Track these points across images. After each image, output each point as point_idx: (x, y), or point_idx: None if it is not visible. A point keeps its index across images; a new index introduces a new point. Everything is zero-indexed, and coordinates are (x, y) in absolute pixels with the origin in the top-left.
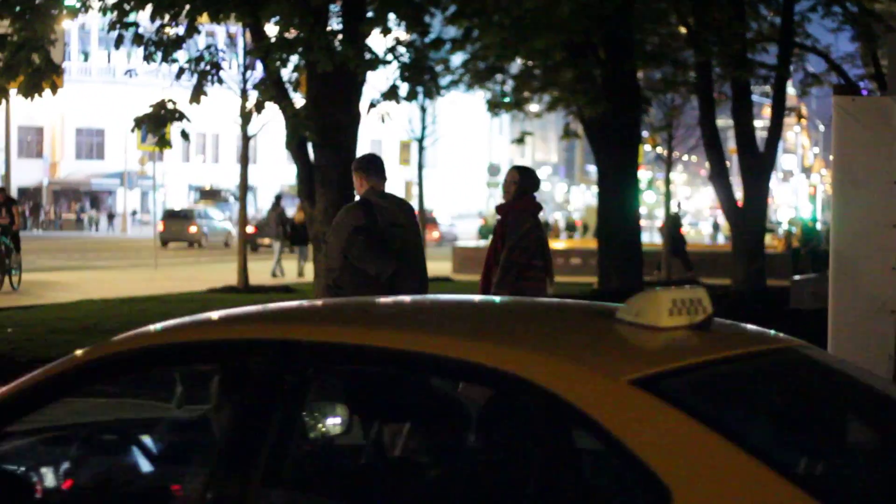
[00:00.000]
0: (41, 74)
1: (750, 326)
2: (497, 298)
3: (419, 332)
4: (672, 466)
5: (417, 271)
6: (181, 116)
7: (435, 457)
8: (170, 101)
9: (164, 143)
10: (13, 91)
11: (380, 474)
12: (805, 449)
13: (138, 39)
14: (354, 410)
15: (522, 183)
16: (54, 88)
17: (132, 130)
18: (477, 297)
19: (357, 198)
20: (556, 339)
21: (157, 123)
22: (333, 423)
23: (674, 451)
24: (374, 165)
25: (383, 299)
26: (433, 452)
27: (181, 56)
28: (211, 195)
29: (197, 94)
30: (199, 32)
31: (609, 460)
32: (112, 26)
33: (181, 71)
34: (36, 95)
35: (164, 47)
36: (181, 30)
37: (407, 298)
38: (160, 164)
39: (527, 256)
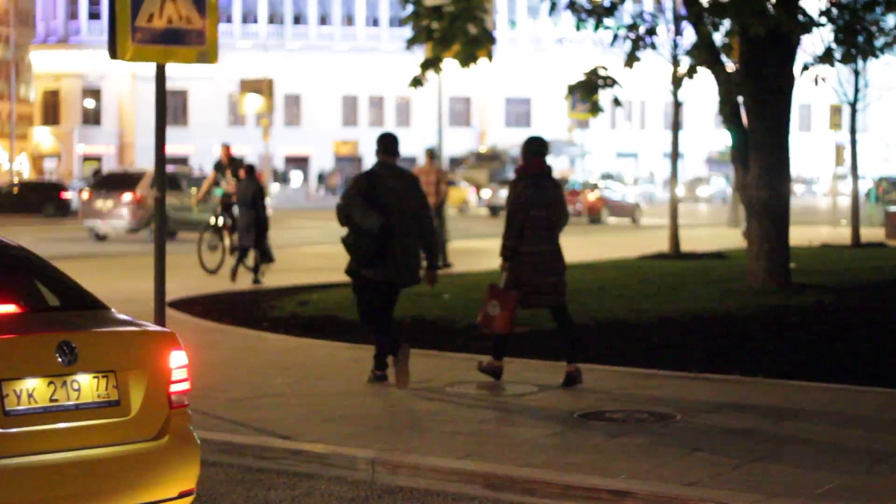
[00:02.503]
0: (477, 44)
1: None
2: None
3: None
4: None
5: (413, 230)
6: (613, 83)
7: None
8: (602, 67)
9: (596, 109)
10: (446, 61)
11: None
12: None
13: (572, 7)
14: None
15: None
16: (490, 57)
17: (565, 98)
18: None
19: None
20: None
21: (589, 90)
22: None
23: None
24: (383, 144)
25: None
26: None
27: (611, 23)
28: (489, 158)
29: (630, 60)
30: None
31: None
32: None
33: (615, 37)
34: (470, 65)
35: (597, 14)
36: None
37: None
38: (587, 131)
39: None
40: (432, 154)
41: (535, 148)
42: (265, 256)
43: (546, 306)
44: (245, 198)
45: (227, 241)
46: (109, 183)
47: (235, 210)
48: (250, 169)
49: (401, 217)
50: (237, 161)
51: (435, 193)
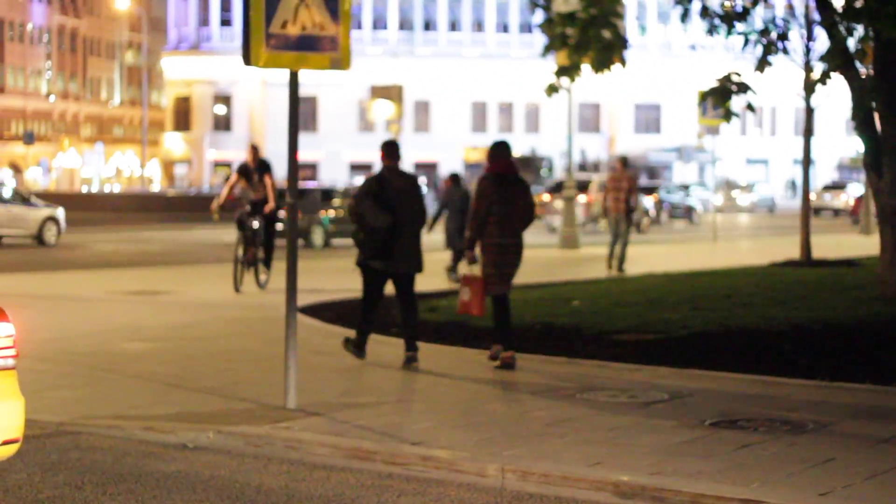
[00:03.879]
0: (610, 49)
1: None
2: None
3: None
4: None
5: (416, 226)
6: (746, 89)
7: None
8: (735, 73)
9: (729, 115)
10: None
11: None
12: None
13: (704, 13)
14: None
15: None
16: (623, 63)
17: (699, 104)
18: None
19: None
20: None
21: (722, 97)
22: None
23: None
24: (387, 150)
25: None
26: None
27: (742, 28)
28: (525, 163)
29: (762, 64)
30: (768, 4)
31: None
32: (678, 0)
33: (747, 42)
34: (603, 71)
35: (729, 20)
36: (745, 2)
37: None
38: (717, 137)
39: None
40: (625, 162)
41: (501, 151)
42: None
43: (499, 293)
44: (455, 204)
45: (240, 252)
46: None
47: (255, 221)
48: (456, 178)
49: (404, 214)
50: (266, 164)
51: (625, 199)
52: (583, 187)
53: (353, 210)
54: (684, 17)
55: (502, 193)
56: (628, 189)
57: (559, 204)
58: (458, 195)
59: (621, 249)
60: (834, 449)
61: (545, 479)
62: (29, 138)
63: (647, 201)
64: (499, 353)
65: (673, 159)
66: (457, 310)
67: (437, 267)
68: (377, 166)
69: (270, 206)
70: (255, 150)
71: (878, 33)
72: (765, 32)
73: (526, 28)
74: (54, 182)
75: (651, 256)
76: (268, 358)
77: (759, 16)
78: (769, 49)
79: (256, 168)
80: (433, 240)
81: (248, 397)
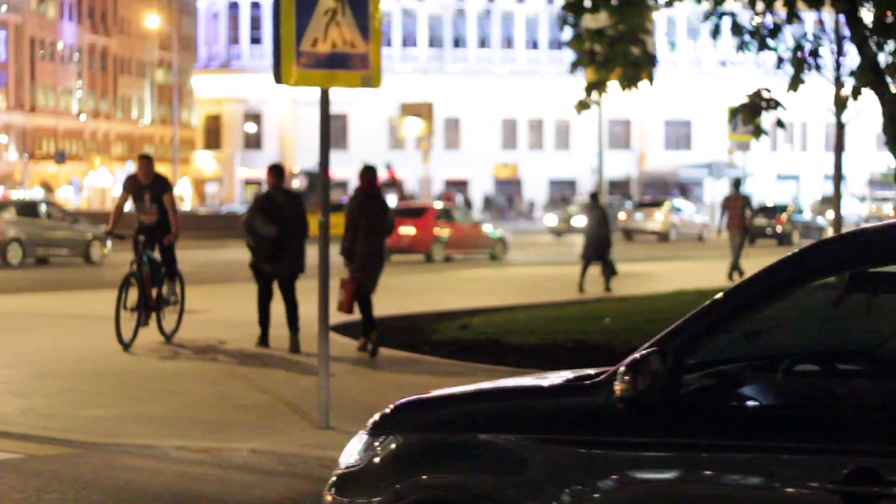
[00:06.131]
0: (639, 66)
1: None
2: None
3: None
4: None
5: (297, 238)
6: (777, 105)
7: None
8: (765, 89)
9: (759, 132)
10: (609, 83)
11: None
12: None
13: (736, 29)
14: None
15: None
16: (651, 80)
17: (729, 121)
18: None
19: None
20: None
21: (752, 113)
22: None
23: None
24: (274, 172)
25: None
26: None
27: (773, 44)
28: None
29: (795, 82)
30: (799, 20)
31: None
32: (707, 16)
33: (780, 59)
34: (631, 88)
35: (761, 37)
36: (777, 18)
37: None
38: (748, 153)
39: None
40: (738, 183)
41: (367, 174)
42: (610, 268)
43: (364, 295)
44: (593, 219)
45: (134, 295)
46: None
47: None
48: (594, 196)
49: (287, 226)
50: (163, 181)
51: (740, 217)
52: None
53: (245, 223)
54: (715, 33)
55: (365, 210)
56: (742, 206)
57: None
58: (596, 212)
59: (734, 258)
60: None
61: None
62: (60, 157)
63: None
64: (366, 345)
65: (704, 175)
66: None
67: (468, 285)
68: (409, 183)
69: (172, 236)
70: (148, 161)
71: None
72: (797, 49)
73: (555, 45)
74: (86, 201)
75: (677, 273)
76: (302, 374)
77: (789, 32)
78: (801, 67)
79: (150, 185)
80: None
81: (281, 415)
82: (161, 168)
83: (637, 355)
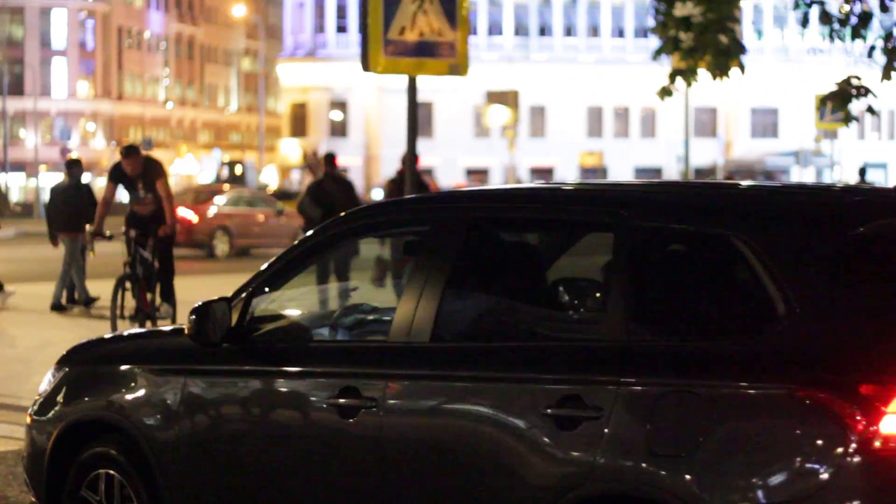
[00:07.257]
0: (729, 55)
1: None
2: None
3: None
4: None
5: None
6: (867, 92)
7: None
8: (855, 77)
9: (848, 119)
10: (699, 71)
11: None
12: None
13: (825, 17)
14: None
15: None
16: (742, 68)
17: (818, 108)
18: None
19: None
20: None
21: (842, 100)
22: None
23: None
24: (328, 160)
25: None
26: None
27: (864, 33)
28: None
29: (888, 71)
30: (887, 10)
31: None
32: (796, 4)
33: (872, 48)
34: (722, 77)
35: (851, 26)
36: (866, 7)
37: None
38: (835, 141)
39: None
40: (863, 171)
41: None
42: None
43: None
44: None
45: (123, 296)
46: None
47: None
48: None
49: (335, 210)
50: (155, 166)
51: None
52: None
53: (298, 206)
54: (805, 22)
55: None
56: None
57: None
58: None
59: None
60: None
61: None
62: (147, 145)
63: None
64: None
65: (790, 164)
66: None
67: None
68: (493, 171)
69: (168, 227)
70: (135, 156)
71: None
72: (889, 37)
73: (641, 32)
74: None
75: None
76: None
77: (877, 19)
78: (894, 55)
79: (142, 174)
80: None
81: None
82: (248, 156)
83: (200, 303)
